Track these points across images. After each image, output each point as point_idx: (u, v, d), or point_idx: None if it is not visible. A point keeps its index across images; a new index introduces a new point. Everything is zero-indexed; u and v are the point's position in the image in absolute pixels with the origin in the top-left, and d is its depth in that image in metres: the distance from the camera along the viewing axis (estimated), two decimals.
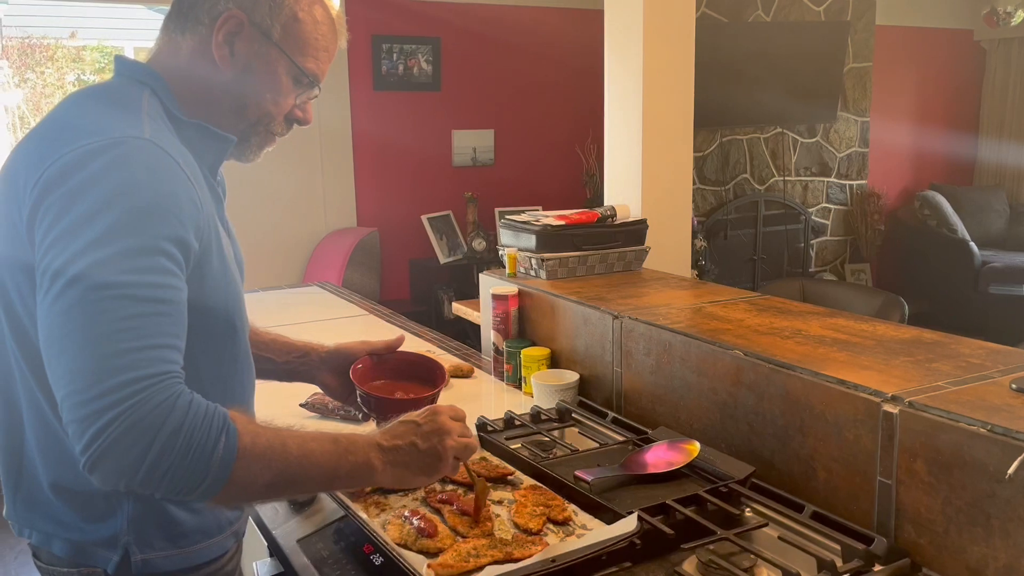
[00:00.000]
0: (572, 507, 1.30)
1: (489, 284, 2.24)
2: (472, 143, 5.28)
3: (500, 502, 1.33)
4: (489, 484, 1.34)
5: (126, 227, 0.93)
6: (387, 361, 1.51)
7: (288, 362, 1.47)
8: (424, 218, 5.04)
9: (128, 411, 0.88)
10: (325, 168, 4.83)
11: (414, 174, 5.13)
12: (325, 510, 1.40)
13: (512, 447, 1.55)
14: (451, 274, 4.94)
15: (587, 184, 5.44)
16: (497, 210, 5.17)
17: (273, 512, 1.43)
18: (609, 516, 1.24)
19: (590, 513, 1.28)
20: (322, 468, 1.02)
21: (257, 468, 0.96)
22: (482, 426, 1.69)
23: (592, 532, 1.19)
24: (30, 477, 1.11)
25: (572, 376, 1.88)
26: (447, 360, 2.24)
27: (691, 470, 1.44)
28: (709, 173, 5.54)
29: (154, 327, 0.92)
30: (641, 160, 2.37)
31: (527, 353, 1.98)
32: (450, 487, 1.37)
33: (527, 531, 1.22)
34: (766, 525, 1.26)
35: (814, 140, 6.06)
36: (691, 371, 1.59)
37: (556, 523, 1.25)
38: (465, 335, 4.42)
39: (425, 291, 4.99)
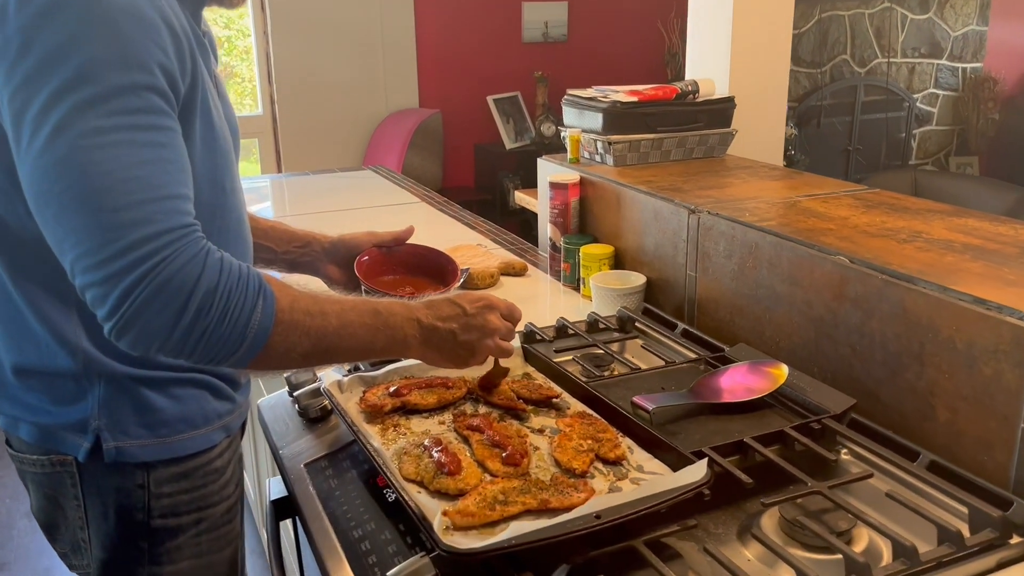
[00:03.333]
0: (627, 442, 1.07)
1: (547, 170, 1.97)
2: (543, 16, 4.87)
3: (541, 431, 1.11)
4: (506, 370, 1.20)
5: (108, 59, 0.82)
6: (396, 254, 1.37)
7: (288, 252, 1.33)
8: (490, 99, 4.72)
9: (156, 269, 0.81)
10: (385, 44, 4.53)
11: (480, 51, 4.78)
12: (340, 429, 1.21)
13: (561, 362, 1.32)
14: (518, 161, 4.65)
15: (669, 64, 5.00)
16: (569, 91, 4.79)
17: (283, 427, 1.25)
18: (672, 457, 1.01)
19: (648, 451, 1.05)
20: (359, 340, 0.97)
21: (295, 336, 0.90)
22: (529, 335, 1.46)
23: (649, 481, 0.96)
24: None
25: (638, 279, 1.62)
26: (499, 255, 2.00)
27: (775, 400, 1.19)
28: (804, 53, 5.02)
29: (163, 175, 0.84)
30: (731, 26, 2.02)
31: (587, 251, 1.73)
32: (483, 409, 1.16)
33: (570, 471, 1.00)
34: (870, 476, 1.01)
35: (926, 16, 5.42)
36: (781, 279, 1.32)
37: (606, 462, 1.03)
38: (529, 227, 4.17)
39: (490, 179, 4.72)
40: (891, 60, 5.39)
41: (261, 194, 2.92)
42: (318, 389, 1.25)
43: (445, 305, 1.04)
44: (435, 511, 0.90)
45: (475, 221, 2.44)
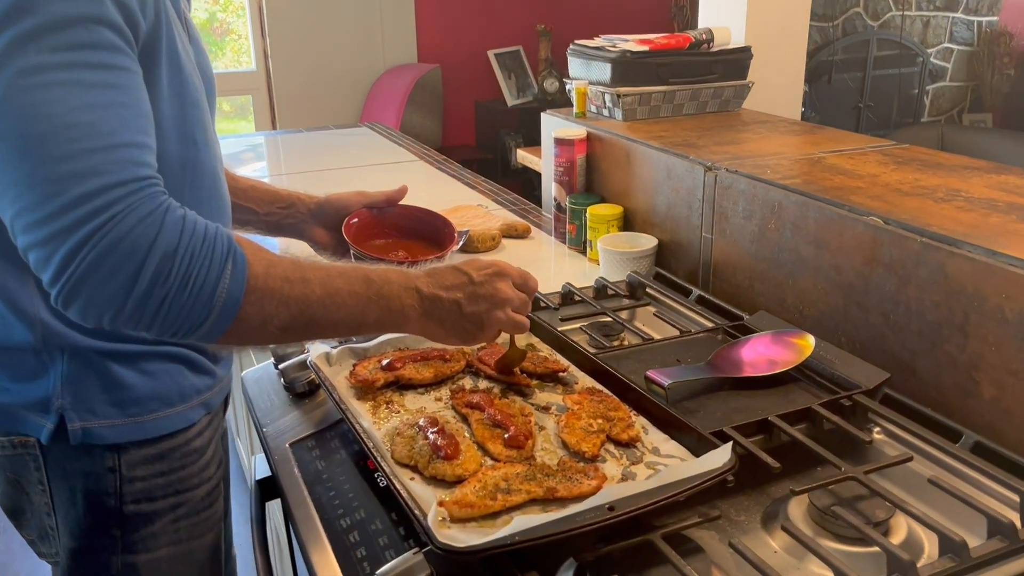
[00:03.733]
0: (641, 422, 0.98)
1: (552, 125, 1.85)
2: None
3: (547, 408, 1.02)
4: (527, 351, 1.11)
5: None
6: (387, 216, 1.28)
7: (271, 213, 1.23)
8: (491, 54, 4.57)
9: (105, 227, 0.71)
10: None
11: (480, 4, 4.61)
12: (328, 405, 1.12)
13: (567, 331, 1.22)
14: (520, 118, 4.52)
15: (676, 17, 4.83)
16: (575, 41, 4.64)
17: (267, 402, 1.16)
18: (691, 438, 0.92)
19: (664, 431, 0.96)
20: (349, 311, 0.86)
21: (271, 306, 0.80)
22: (533, 302, 1.36)
23: (667, 467, 0.87)
24: None
25: (649, 242, 1.52)
26: (500, 217, 1.89)
27: (801, 373, 1.10)
28: (816, 6, 4.84)
29: (115, 120, 0.74)
30: None
31: (595, 211, 1.62)
32: (484, 384, 1.07)
33: (578, 454, 0.91)
34: (909, 459, 0.92)
35: None
36: (807, 241, 1.22)
37: (618, 444, 0.94)
38: (531, 188, 4.05)
39: (491, 137, 4.59)
40: (905, 13, 5.22)
41: (251, 153, 2.80)
42: (305, 361, 1.16)
43: (449, 273, 0.93)
44: (430, 501, 0.81)
45: (475, 180, 2.32)
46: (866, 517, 0.85)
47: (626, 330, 1.27)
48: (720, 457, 0.85)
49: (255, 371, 1.24)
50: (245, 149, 2.82)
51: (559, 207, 1.75)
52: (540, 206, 2.03)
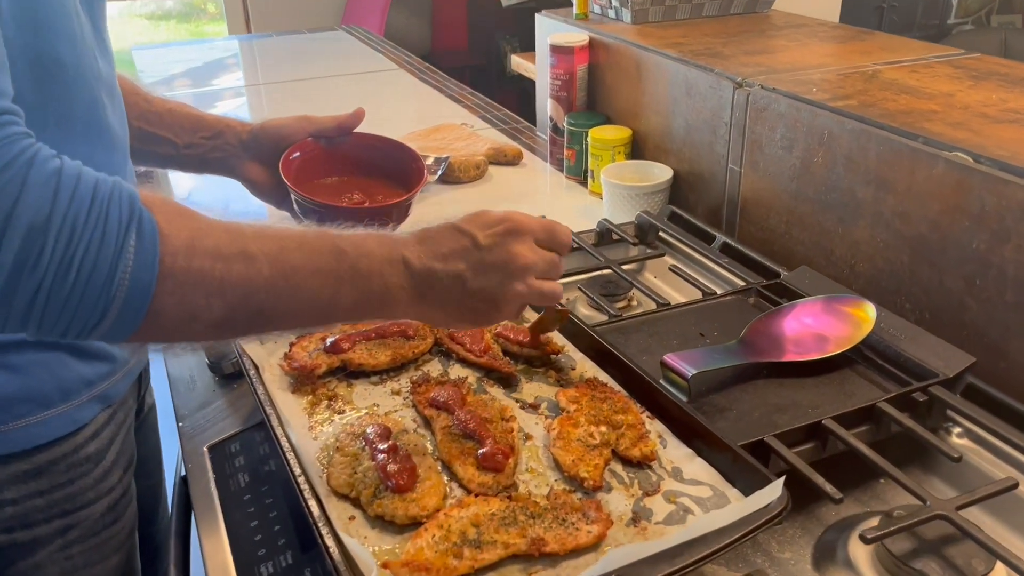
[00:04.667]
0: (656, 428, 0.75)
1: (548, 29, 1.57)
2: None
3: (534, 406, 0.79)
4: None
5: None
6: (339, 148, 1.01)
7: (193, 145, 0.98)
8: None
9: None
10: None
11: None
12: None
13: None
14: (516, 20, 4.14)
15: None
16: None
17: (187, 385, 0.93)
18: (725, 457, 0.69)
19: (688, 443, 0.73)
20: (312, 297, 0.62)
21: (199, 295, 0.57)
22: None
23: (695, 519, 0.65)
24: None
25: (663, 173, 1.27)
26: (487, 139, 1.63)
27: (857, 353, 0.87)
28: None
29: None
30: None
31: (598, 135, 1.36)
32: (457, 373, 0.84)
33: (575, 479, 0.68)
34: (1014, 487, 0.70)
35: None
36: (865, 180, 0.97)
37: (627, 463, 0.71)
38: (528, 99, 3.73)
39: (485, 41, 4.23)
40: None
41: (202, 60, 2.48)
42: None
43: (447, 235, 0.68)
44: (370, 566, 0.58)
45: (461, 94, 2.04)
46: (959, 569, 0.64)
47: (635, 288, 1.03)
48: (767, 496, 0.63)
49: None
50: (193, 58, 2.50)
51: (555, 128, 1.48)
52: (536, 124, 1.76)
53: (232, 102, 2.05)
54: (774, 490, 0.63)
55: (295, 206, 0.96)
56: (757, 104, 1.10)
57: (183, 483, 0.90)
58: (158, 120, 0.96)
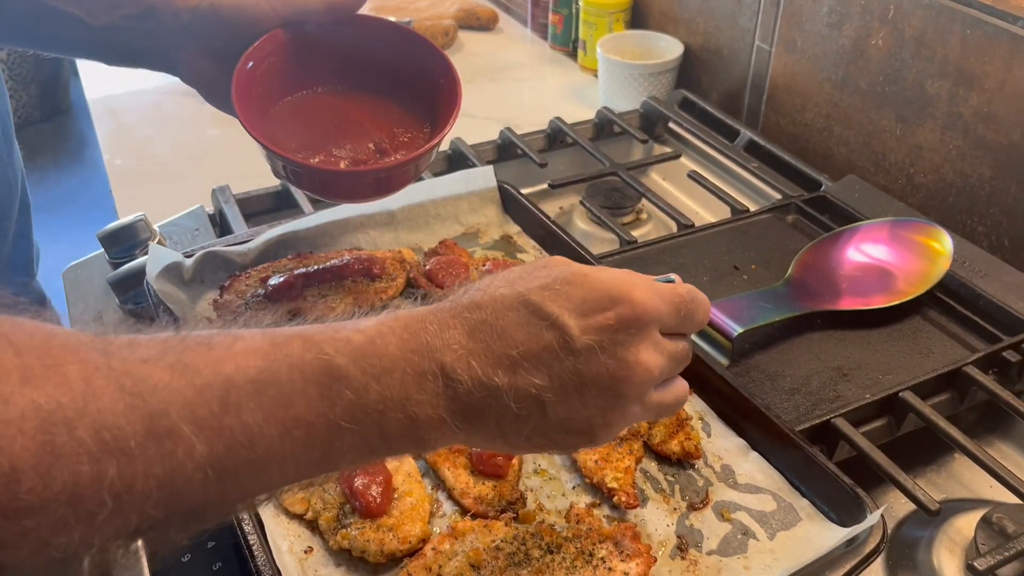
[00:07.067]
0: (697, 409, 0.59)
1: None
2: None
3: None
4: None
5: None
6: (328, 43, 0.63)
7: (113, 28, 0.63)
8: None
9: None
10: None
11: None
12: None
13: (557, 206, 0.80)
14: None
15: None
16: None
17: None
18: (789, 454, 0.54)
19: (732, 423, 0.57)
20: (286, 464, 0.36)
21: (78, 517, 0.30)
22: (504, 148, 0.93)
23: (761, 549, 0.50)
24: None
25: (672, 48, 1.06)
26: None
27: (928, 296, 0.70)
28: None
29: None
30: None
31: None
32: None
33: (601, 488, 0.53)
34: None
35: None
36: (940, 72, 0.78)
37: (665, 459, 0.55)
38: None
39: None
40: None
41: None
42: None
43: (517, 319, 0.40)
44: None
45: None
46: None
47: (646, 199, 0.85)
48: (859, 525, 0.48)
49: (79, 268, 0.81)
50: None
51: None
52: None
53: None
54: (870, 516, 0.48)
55: (264, 155, 0.60)
56: None
57: None
58: None
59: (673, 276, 0.44)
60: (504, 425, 0.39)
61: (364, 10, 0.63)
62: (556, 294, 0.40)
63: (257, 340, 0.36)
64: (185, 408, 0.33)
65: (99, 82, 1.14)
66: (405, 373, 0.37)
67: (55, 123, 2.95)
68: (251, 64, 0.61)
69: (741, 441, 0.57)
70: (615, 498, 0.52)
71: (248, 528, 0.49)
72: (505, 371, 0.38)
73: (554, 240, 0.73)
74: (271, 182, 0.83)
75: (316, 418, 0.36)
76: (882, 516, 0.48)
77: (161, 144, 1.03)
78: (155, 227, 0.78)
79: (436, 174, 0.83)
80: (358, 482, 0.50)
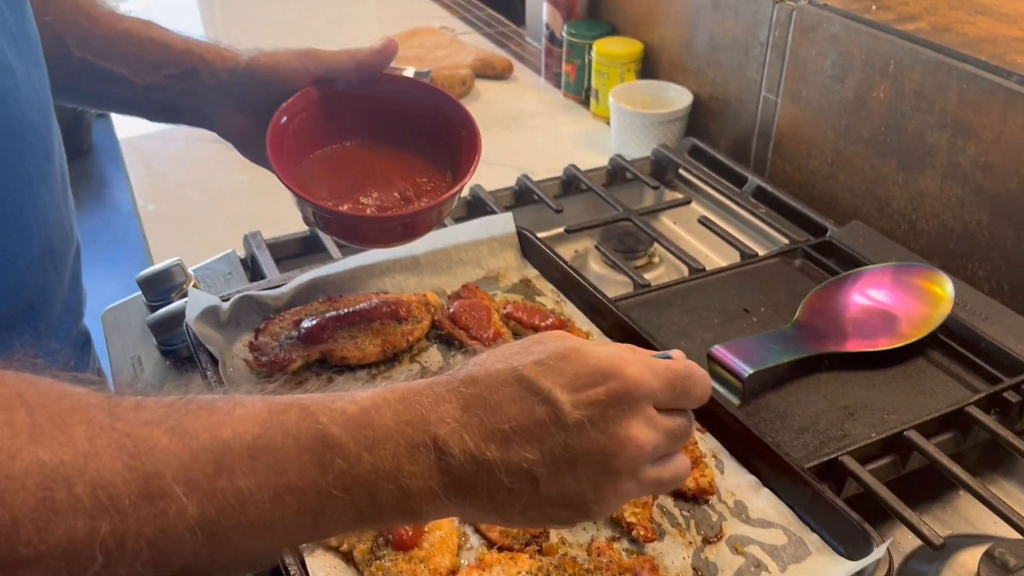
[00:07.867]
0: (710, 447, 0.62)
1: None
2: None
3: None
4: None
5: None
6: (356, 98, 0.68)
7: (156, 86, 0.70)
8: None
9: None
10: None
11: None
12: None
13: (572, 249, 0.84)
14: None
15: None
16: None
17: (130, 374, 0.77)
18: (797, 488, 0.57)
19: (744, 461, 0.60)
20: (276, 530, 0.37)
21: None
22: (520, 194, 0.97)
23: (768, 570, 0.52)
24: None
25: (682, 97, 1.10)
26: (472, 48, 1.43)
27: (930, 338, 0.73)
28: None
29: None
30: None
31: (604, 49, 1.18)
32: (460, 357, 0.70)
33: (620, 522, 0.55)
34: None
35: None
36: (940, 123, 0.81)
37: (679, 496, 0.58)
38: None
39: None
40: None
41: None
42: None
43: (510, 394, 0.41)
44: None
45: None
46: None
47: (658, 243, 0.88)
48: (865, 559, 0.51)
49: (121, 308, 0.85)
50: None
51: (552, 38, 1.29)
52: (524, 27, 1.55)
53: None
54: (876, 550, 0.50)
55: (295, 202, 0.65)
56: (804, 22, 0.93)
57: None
58: (107, 49, 0.69)
59: (672, 352, 0.45)
60: (498, 499, 0.40)
61: None
62: (549, 369, 0.41)
63: (257, 407, 0.38)
64: (180, 470, 0.34)
65: (130, 127, 1.20)
66: (398, 444, 0.38)
67: (77, 164, 3.02)
68: (284, 119, 0.66)
69: (753, 478, 0.59)
70: (634, 532, 0.54)
71: (289, 560, 0.52)
72: (498, 445, 0.40)
73: (571, 284, 0.76)
74: (299, 227, 0.87)
75: (308, 485, 0.37)
76: (888, 550, 0.51)
77: (192, 189, 1.07)
78: (190, 271, 0.82)
79: (457, 220, 0.87)
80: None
